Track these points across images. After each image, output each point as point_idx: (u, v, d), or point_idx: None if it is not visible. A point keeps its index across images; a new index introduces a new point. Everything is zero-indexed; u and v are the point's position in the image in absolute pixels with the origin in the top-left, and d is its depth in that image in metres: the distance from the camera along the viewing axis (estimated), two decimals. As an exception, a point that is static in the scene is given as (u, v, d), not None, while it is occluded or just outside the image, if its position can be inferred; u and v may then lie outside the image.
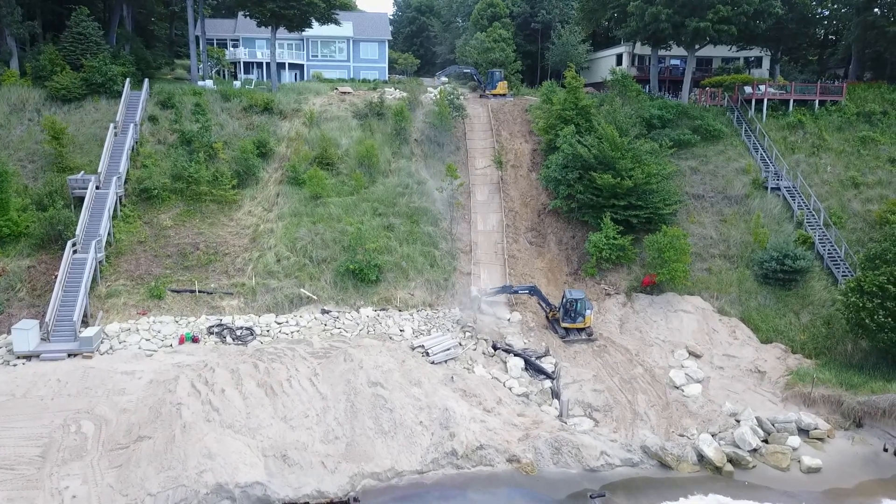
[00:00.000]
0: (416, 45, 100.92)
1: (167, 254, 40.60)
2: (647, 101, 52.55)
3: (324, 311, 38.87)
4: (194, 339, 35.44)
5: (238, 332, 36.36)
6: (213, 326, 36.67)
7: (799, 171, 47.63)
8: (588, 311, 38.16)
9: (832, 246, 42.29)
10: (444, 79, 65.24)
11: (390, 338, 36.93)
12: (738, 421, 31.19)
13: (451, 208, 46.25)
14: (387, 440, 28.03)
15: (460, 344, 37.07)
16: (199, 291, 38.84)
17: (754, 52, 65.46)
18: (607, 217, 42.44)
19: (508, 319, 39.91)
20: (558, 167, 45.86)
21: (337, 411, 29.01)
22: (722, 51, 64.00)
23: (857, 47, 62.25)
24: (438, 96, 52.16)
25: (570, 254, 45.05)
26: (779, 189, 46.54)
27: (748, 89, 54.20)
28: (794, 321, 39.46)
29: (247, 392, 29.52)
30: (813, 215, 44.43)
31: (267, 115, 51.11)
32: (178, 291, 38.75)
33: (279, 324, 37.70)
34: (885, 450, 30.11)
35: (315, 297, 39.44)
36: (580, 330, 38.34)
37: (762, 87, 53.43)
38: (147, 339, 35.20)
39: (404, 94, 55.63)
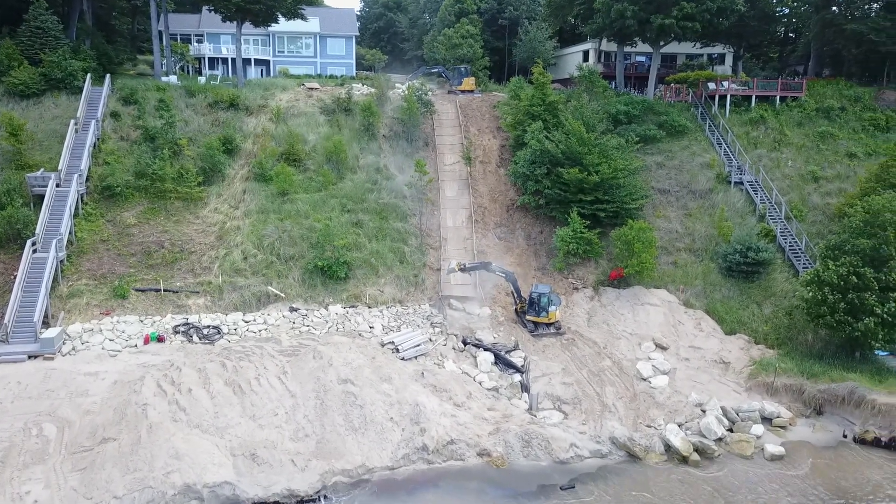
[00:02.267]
0: (383, 42, 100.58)
1: (131, 252, 39.90)
2: (614, 97, 53.14)
3: (292, 309, 38.57)
4: (160, 339, 34.91)
5: (205, 331, 35.90)
6: (179, 325, 36.15)
7: (761, 166, 48.57)
8: (554, 307, 38.39)
9: (793, 238, 43.22)
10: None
11: (360, 335, 36.80)
12: (703, 411, 31.77)
13: (421, 204, 46.24)
14: (357, 437, 27.94)
15: (430, 340, 37.09)
16: (165, 290, 38.25)
17: (717, 50, 66.60)
18: (575, 212, 42.80)
19: (478, 315, 40.02)
20: (526, 163, 46.12)
21: (307, 409, 28.83)
22: (686, 48, 64.96)
23: (816, 45, 63.73)
24: (406, 92, 52.00)
25: (538, 249, 45.34)
26: (742, 183, 47.42)
27: (712, 86, 55.08)
28: (757, 312, 40.24)
29: (214, 391, 29.17)
30: (775, 209, 45.35)
31: (233, 111, 50.47)
32: (142, 290, 38.10)
33: (247, 322, 37.31)
34: (845, 436, 30.92)
35: (283, 295, 39.12)
36: (549, 324, 38.63)
37: (725, 84, 54.39)
38: (111, 340, 34.55)
39: (372, 90, 55.41)
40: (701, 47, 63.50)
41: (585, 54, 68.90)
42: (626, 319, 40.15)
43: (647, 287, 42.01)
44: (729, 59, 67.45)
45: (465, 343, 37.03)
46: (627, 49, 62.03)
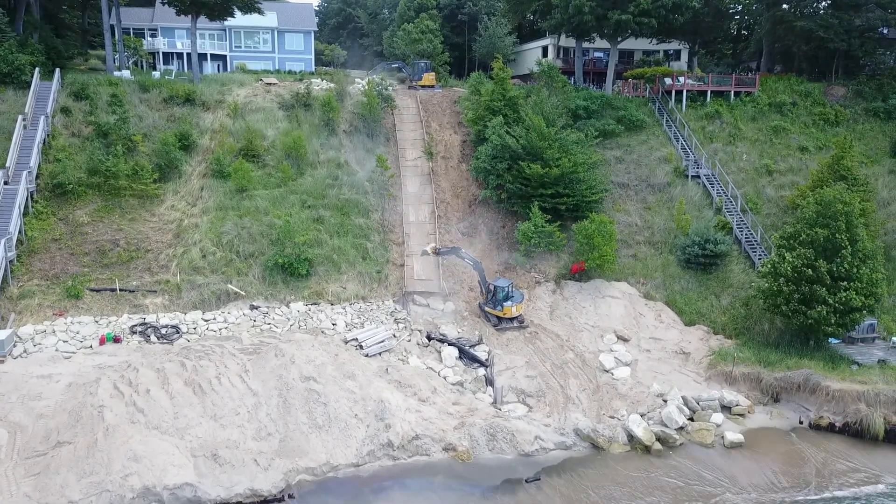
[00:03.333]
0: (343, 38, 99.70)
1: (85, 251, 38.79)
2: (573, 93, 53.51)
3: (253, 307, 37.97)
4: (116, 339, 34.02)
5: (163, 331, 35.12)
6: (136, 325, 35.29)
7: (717, 160, 49.52)
8: (510, 302, 38.36)
9: (749, 231, 44.16)
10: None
11: (323, 332, 36.41)
12: (665, 401, 32.27)
13: (382, 200, 45.95)
14: (321, 434, 27.65)
15: (394, 336, 36.91)
16: (121, 290, 37.30)
17: (673, 46, 67.57)
18: (536, 206, 43.00)
19: (442, 310, 39.94)
20: (488, 158, 46.20)
21: (269, 407, 28.42)
22: (643, 44, 65.77)
23: (768, 41, 65.19)
24: (366, 87, 51.58)
25: (501, 243, 45.46)
26: (699, 177, 48.28)
27: (668, 81, 55.91)
28: (715, 304, 41.05)
29: (174, 391, 28.53)
30: (731, 201, 46.27)
31: (189, 106, 49.41)
32: (97, 290, 37.09)
33: (206, 321, 36.61)
34: (801, 422, 31.75)
35: (243, 293, 38.49)
36: (512, 318, 38.76)
37: (681, 79, 55.26)
38: (65, 341, 33.54)
39: (332, 86, 54.82)
40: (657, 43, 64.42)
41: (545, 50, 69.23)
42: (588, 312, 40.52)
43: (609, 280, 42.47)
44: (685, 56, 68.54)
45: (429, 338, 36.95)
46: (586, 45, 62.56)
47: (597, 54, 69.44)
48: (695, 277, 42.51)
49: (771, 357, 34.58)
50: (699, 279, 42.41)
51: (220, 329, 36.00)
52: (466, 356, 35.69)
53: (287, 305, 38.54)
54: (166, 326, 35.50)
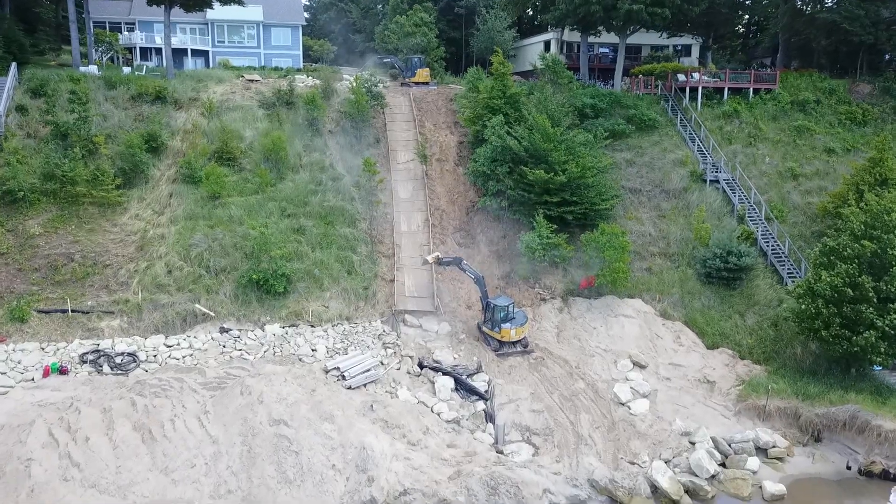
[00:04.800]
0: (334, 33, 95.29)
1: (34, 267, 34.54)
2: (580, 90, 49.28)
3: (223, 330, 33.74)
4: (62, 371, 29.76)
5: (118, 360, 30.86)
6: (87, 353, 31.01)
7: (737, 163, 45.31)
8: (509, 325, 34.08)
9: (775, 242, 40.01)
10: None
11: (300, 359, 32.18)
12: (692, 443, 28.09)
13: (371, 207, 41.68)
14: (292, 490, 23.42)
15: (382, 363, 32.69)
16: (73, 311, 33.06)
17: (684, 41, 63.41)
18: (540, 215, 38.82)
19: (436, 331, 35.76)
20: (487, 161, 41.99)
21: (231, 458, 24.16)
22: (651, 38, 61.58)
23: (784, 35, 60.92)
24: (354, 84, 47.29)
25: (501, 255, 41.18)
26: (718, 182, 44.07)
27: (682, 77, 51.70)
28: (739, 323, 36.91)
29: (119, 438, 24.28)
30: (754, 209, 42.10)
31: (159, 104, 45.07)
32: (46, 312, 32.85)
33: (169, 347, 32.37)
34: (848, 467, 27.63)
35: (212, 314, 34.23)
36: (515, 342, 34.53)
37: (696, 75, 51.04)
38: (3, 373, 29.27)
39: (318, 82, 50.57)
40: (668, 37, 60.17)
41: (547, 45, 65.02)
42: (600, 333, 36.36)
43: (621, 296, 38.33)
44: (696, 51, 64.31)
45: (421, 366, 32.72)
46: (591, 39, 58.37)
47: (602, 49, 65.31)
48: (716, 294, 38.32)
49: (809, 389, 30.39)
50: (721, 296, 38.23)
51: (183, 357, 31.76)
52: (463, 387, 31.47)
53: (262, 328, 34.29)
54: (122, 354, 31.23)
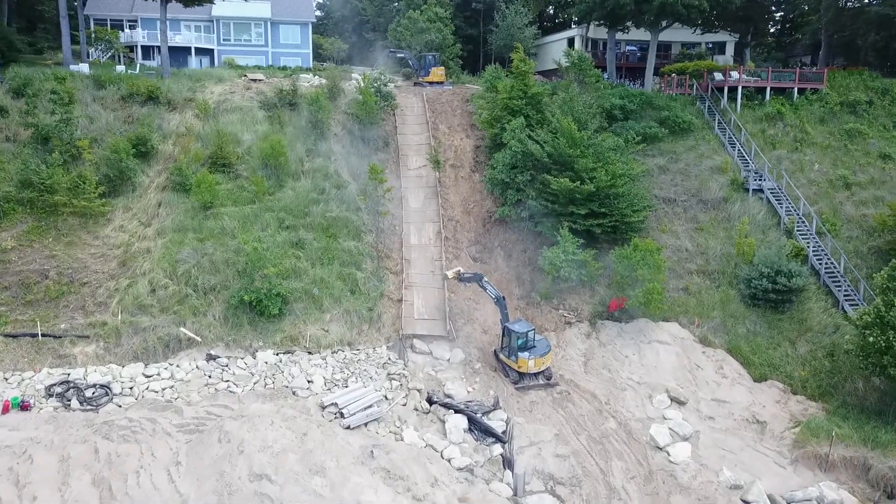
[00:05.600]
0: (348, 32, 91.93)
1: (4, 285, 31.21)
2: (608, 89, 45.24)
3: (209, 357, 30.18)
4: (23, 406, 26.25)
5: (89, 392, 27.36)
6: (55, 385, 27.53)
7: (783, 170, 41.03)
8: (528, 354, 30.20)
9: (829, 259, 35.73)
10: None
11: (294, 393, 28.50)
12: (745, 502, 23.98)
13: (378, 218, 37.96)
14: (272, 563, 19.73)
15: (386, 397, 28.95)
16: (44, 335, 29.66)
17: (718, 37, 59.16)
18: (565, 228, 34.93)
19: (448, 359, 31.98)
20: (506, 167, 38.16)
21: (201, 522, 20.54)
22: (683, 35, 57.55)
23: (828, 31, 56.47)
24: (362, 82, 43.60)
25: (521, 271, 37.33)
26: (762, 191, 39.84)
27: (718, 76, 47.44)
28: (790, 352, 32.68)
29: (73, 497, 20.71)
30: (803, 222, 37.85)
31: (152, 105, 41.73)
32: (13, 336, 29.48)
33: (148, 377, 28.82)
34: (932, 534, 23.39)
35: (199, 339, 30.69)
36: (536, 374, 30.64)
37: (735, 74, 46.75)
38: (-43, 409, 25.91)
39: (324, 82, 47.00)
40: (701, 33, 55.95)
41: (570, 42, 61.03)
42: (632, 362, 32.35)
43: (655, 320, 34.29)
44: (730, 48, 60.06)
45: (430, 402, 28.91)
46: (619, 36, 54.33)
47: (629, 47, 61.26)
48: (763, 318, 34.14)
49: (880, 435, 26.17)
50: (768, 320, 34.04)
51: (163, 389, 28.16)
52: (478, 428, 27.62)
53: (253, 355, 30.68)
54: (94, 386, 27.73)
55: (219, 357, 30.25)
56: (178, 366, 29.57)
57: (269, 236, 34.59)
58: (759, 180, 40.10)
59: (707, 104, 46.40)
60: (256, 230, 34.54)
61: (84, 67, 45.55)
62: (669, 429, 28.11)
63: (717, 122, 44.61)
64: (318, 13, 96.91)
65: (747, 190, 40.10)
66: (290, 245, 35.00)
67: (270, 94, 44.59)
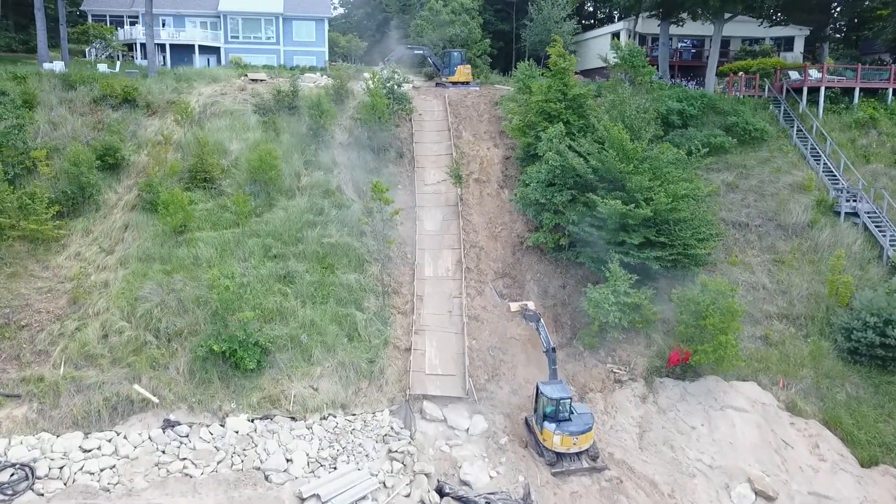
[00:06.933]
0: (371, 30, 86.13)
1: (-77, 328, 25.55)
2: (664, 91, 38.26)
3: (167, 425, 24.05)
4: (-87, 498, 20.43)
5: (3, 476, 21.37)
6: (-39, 465, 21.67)
7: (882, 188, 33.65)
8: (556, 427, 23.43)
9: (950, 304, 28.29)
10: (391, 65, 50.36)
11: (266, 478, 22.19)
12: None
13: (385, 244, 31.50)
14: None
15: (384, 485, 22.46)
16: (-37, 394, 23.87)
17: (786, 32, 51.61)
18: (615, 261, 28.10)
19: (467, 430, 25.35)
20: (541, 185, 31.41)
21: None
22: (745, 29, 50.15)
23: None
24: (371, 82, 37.26)
25: (559, 313, 30.58)
26: (856, 214, 32.56)
27: (794, 75, 40.10)
28: (907, 427, 25.45)
29: None
30: (913, 254, 30.54)
31: (128, 109, 36.00)
32: (-76, 395, 23.75)
33: (86, 451, 22.77)
34: None
35: (156, 400, 24.58)
36: (579, 454, 23.86)
37: (815, 73, 39.37)
38: None
39: (331, 82, 40.85)
40: (769, 26, 48.51)
41: (615, 38, 53.98)
42: (700, 436, 25.44)
43: (727, 378, 27.34)
44: (799, 45, 52.40)
45: (441, 492, 22.31)
46: (672, 31, 47.26)
47: (681, 43, 54.01)
48: (868, 380, 26.98)
49: None
50: (875, 383, 26.86)
51: (101, 470, 22.11)
52: (502, 535, 21.02)
53: (222, 422, 24.46)
54: (13, 466, 21.75)
55: (178, 424, 24.10)
56: (125, 436, 23.48)
57: (252, 268, 28.42)
58: (853, 201, 32.82)
59: (782, 108, 39.08)
60: (235, 261, 28.35)
61: (59, 66, 40.01)
62: (758, 539, 21.19)
63: (795, 129, 37.32)
64: (339, 10, 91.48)
65: (838, 213, 32.89)
66: (276, 279, 28.74)
67: (267, 97, 38.53)
